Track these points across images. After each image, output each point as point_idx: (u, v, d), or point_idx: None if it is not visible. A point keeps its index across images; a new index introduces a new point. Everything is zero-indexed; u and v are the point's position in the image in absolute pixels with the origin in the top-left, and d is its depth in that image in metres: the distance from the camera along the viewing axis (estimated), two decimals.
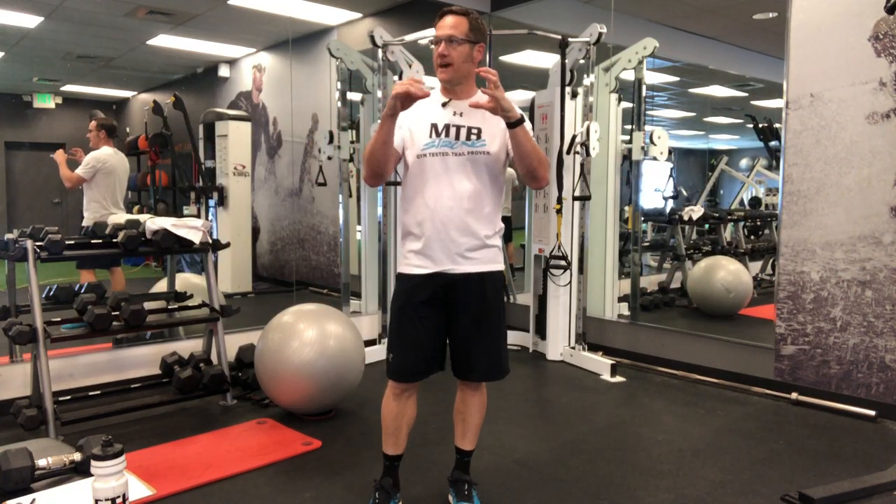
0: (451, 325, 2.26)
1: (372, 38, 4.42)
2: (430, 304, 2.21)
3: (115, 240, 3.32)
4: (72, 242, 3.23)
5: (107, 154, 4.64)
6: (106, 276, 4.69)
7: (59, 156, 4.55)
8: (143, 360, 3.80)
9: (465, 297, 2.22)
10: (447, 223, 2.16)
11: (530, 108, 4.70)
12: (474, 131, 2.18)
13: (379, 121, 2.13)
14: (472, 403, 2.38)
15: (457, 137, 2.17)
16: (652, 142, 4.38)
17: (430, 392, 3.94)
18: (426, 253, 2.19)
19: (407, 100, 2.02)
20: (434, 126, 2.19)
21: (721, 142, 8.62)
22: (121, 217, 3.80)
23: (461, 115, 2.20)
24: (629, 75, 4.56)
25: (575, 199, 4.38)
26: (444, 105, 2.22)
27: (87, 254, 3.36)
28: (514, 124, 2.06)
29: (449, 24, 2.13)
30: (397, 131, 2.16)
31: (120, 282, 4.69)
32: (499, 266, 2.28)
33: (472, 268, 2.20)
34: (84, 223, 4.55)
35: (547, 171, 2.24)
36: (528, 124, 2.15)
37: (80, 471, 2.17)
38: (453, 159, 2.16)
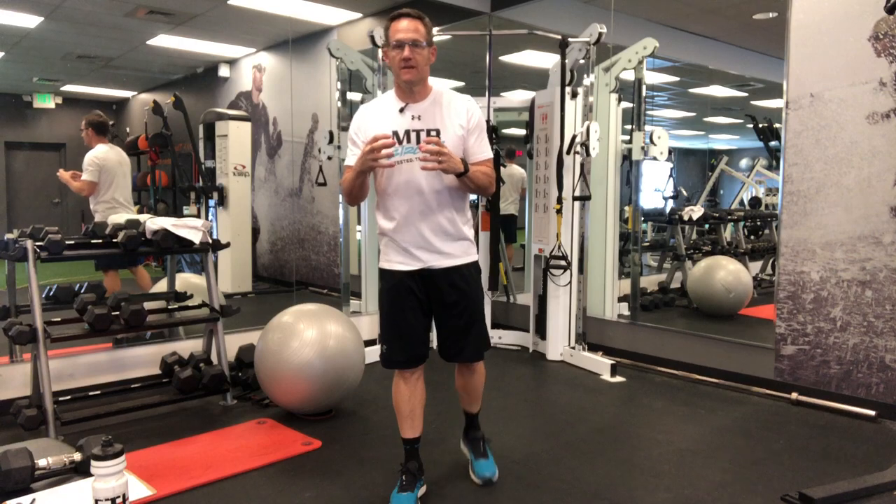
0: (435, 315, 2.44)
1: (372, 38, 4.42)
2: (414, 297, 2.37)
3: (114, 240, 3.32)
4: (72, 242, 3.23)
5: (103, 152, 4.58)
6: (129, 275, 4.78)
7: (64, 175, 4.59)
8: (143, 360, 3.80)
9: (445, 290, 2.37)
10: (420, 224, 2.31)
11: (530, 108, 4.70)
12: (433, 133, 2.29)
13: (351, 162, 2.27)
14: (471, 379, 2.59)
15: (418, 142, 2.27)
16: (652, 142, 4.37)
17: (429, 392, 3.93)
18: (405, 251, 2.35)
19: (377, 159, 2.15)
20: (395, 134, 2.28)
21: (721, 142, 8.62)
22: (121, 217, 3.79)
23: (419, 118, 2.31)
24: (629, 75, 4.56)
25: (575, 199, 4.38)
26: (401, 111, 2.32)
27: (88, 254, 3.36)
28: (459, 175, 2.22)
29: (411, 28, 2.25)
30: (356, 149, 2.30)
31: (144, 277, 4.76)
32: (472, 258, 2.43)
33: (448, 262, 2.36)
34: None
35: (491, 188, 2.40)
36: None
37: (80, 471, 2.17)
38: (418, 163, 2.25)
